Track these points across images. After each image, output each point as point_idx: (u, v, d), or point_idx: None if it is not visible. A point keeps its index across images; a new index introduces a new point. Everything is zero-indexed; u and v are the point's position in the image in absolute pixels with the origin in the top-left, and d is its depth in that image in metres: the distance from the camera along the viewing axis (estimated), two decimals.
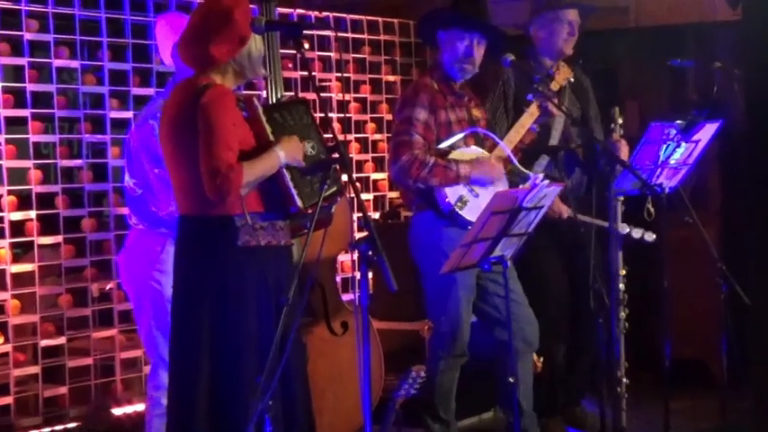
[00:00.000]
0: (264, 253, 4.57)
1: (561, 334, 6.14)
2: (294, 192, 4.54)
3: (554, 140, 6.15)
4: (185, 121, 4.45)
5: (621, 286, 5.98)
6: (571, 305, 6.14)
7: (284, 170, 4.53)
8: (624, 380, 5.97)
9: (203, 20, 4.56)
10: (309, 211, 4.61)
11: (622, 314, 5.98)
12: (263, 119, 4.55)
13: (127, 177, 5.28)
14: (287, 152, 4.52)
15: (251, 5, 5.31)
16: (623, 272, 6.02)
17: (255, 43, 4.60)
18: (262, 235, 4.55)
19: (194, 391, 4.51)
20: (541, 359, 6.11)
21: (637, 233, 5.94)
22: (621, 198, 5.96)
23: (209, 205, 4.46)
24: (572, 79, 6.00)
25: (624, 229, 5.92)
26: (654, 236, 5.92)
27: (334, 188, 4.68)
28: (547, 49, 6.15)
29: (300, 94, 7.21)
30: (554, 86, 5.87)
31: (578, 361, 6.31)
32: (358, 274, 4.28)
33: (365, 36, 7.84)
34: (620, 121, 6.06)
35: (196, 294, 4.55)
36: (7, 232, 6.03)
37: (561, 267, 6.16)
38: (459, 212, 5.56)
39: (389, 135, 6.80)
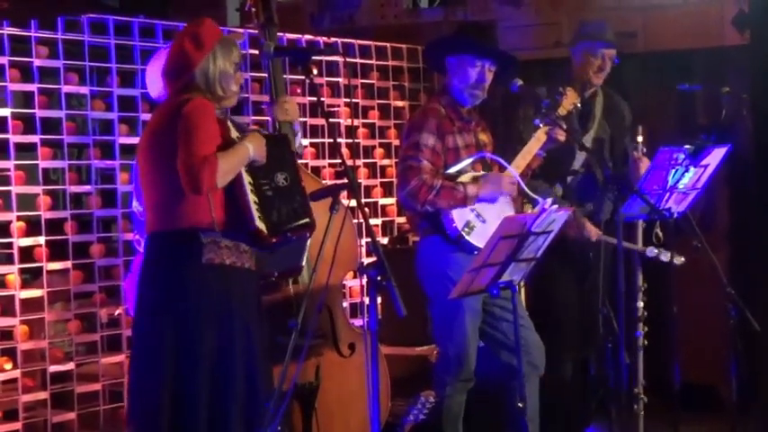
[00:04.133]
0: (228, 272, 4.64)
1: (570, 353, 6.17)
2: (253, 210, 4.61)
3: (577, 164, 6.20)
4: (166, 134, 4.56)
5: (641, 303, 5.99)
6: (578, 327, 6.17)
7: (246, 187, 4.59)
8: (642, 400, 5.97)
9: (168, 54, 4.78)
10: (274, 240, 4.67)
11: (641, 330, 5.99)
12: (236, 134, 4.68)
13: (135, 203, 5.29)
14: (254, 146, 4.64)
15: (251, 31, 5.36)
16: (643, 287, 6.03)
17: (214, 62, 4.69)
18: (226, 254, 4.63)
19: (156, 410, 4.56)
20: None
21: (665, 256, 5.93)
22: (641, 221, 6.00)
23: (177, 219, 4.57)
24: (578, 104, 6.01)
25: (652, 251, 5.93)
26: (683, 258, 5.91)
27: (305, 220, 4.70)
28: (578, 75, 6.23)
29: (309, 120, 7.23)
30: (561, 111, 5.88)
31: (585, 384, 6.31)
32: (367, 300, 4.27)
33: (373, 62, 7.86)
34: (641, 139, 6.10)
35: (159, 310, 4.61)
36: (16, 258, 6.03)
37: (572, 289, 6.20)
38: (467, 238, 5.56)
39: (398, 160, 6.81)
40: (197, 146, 4.47)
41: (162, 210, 4.64)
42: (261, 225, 4.61)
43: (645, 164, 6.04)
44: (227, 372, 4.59)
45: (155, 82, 5.30)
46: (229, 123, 4.75)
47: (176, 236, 4.62)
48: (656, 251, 5.94)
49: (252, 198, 4.63)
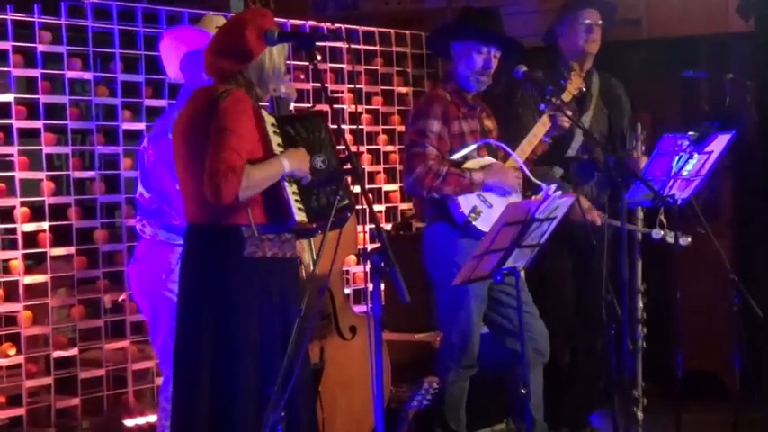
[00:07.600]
0: (270, 264, 4.58)
1: (564, 340, 6.15)
2: (293, 205, 4.54)
3: (574, 149, 6.18)
4: (201, 127, 4.45)
5: (641, 304, 5.97)
6: (582, 313, 6.17)
7: (285, 182, 4.53)
8: (642, 401, 5.96)
9: (222, 32, 4.64)
10: (314, 226, 4.62)
11: (641, 332, 5.97)
12: (270, 131, 4.56)
13: (141, 190, 5.28)
14: (291, 161, 4.51)
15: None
16: (642, 288, 6.01)
17: (270, 58, 4.58)
18: (268, 246, 4.56)
19: (196, 400, 4.52)
20: None
21: (671, 237, 5.91)
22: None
23: (219, 214, 4.48)
24: (584, 89, 6.01)
25: (658, 233, 5.92)
26: (689, 238, 5.90)
27: (345, 201, 4.66)
28: (572, 53, 6.21)
29: (313, 106, 7.22)
30: (566, 97, 5.87)
31: (588, 371, 6.31)
32: (370, 286, 4.27)
33: (377, 48, 7.85)
34: (643, 137, 6.09)
35: (200, 302, 4.56)
36: (20, 243, 6.04)
37: (568, 275, 6.19)
38: (473, 223, 5.57)
39: (401, 146, 6.78)
40: (226, 151, 4.33)
41: (202, 202, 4.49)
42: (301, 217, 4.54)
43: (642, 162, 6.02)
44: (269, 365, 4.54)
45: (170, 61, 5.30)
46: (264, 113, 4.58)
47: (217, 229, 4.53)
48: (662, 233, 5.94)
49: (290, 190, 4.54)
